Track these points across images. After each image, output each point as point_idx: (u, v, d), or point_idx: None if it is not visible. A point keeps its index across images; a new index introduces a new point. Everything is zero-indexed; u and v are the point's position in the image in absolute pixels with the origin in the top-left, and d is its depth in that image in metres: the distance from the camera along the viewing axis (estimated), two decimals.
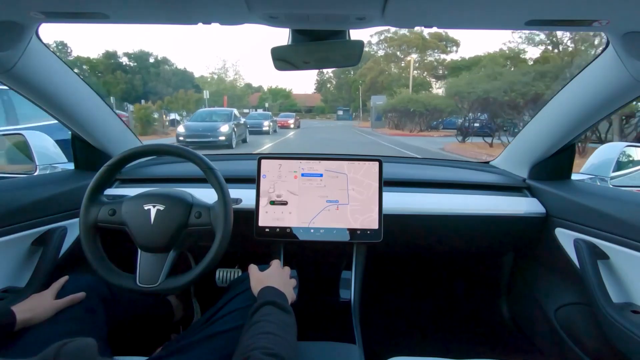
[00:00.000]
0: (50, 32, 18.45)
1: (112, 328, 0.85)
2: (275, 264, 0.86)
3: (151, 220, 0.83)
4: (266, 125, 17.14)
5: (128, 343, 0.95)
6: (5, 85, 0.86)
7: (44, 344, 0.69)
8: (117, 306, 0.89)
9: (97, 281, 0.84)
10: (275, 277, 0.80)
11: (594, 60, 0.87)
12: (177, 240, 0.85)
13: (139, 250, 0.85)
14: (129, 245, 0.88)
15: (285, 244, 1.10)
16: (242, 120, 12.98)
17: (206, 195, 0.93)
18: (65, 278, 0.83)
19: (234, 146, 10.52)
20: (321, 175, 1.04)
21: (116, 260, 0.87)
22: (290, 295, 0.79)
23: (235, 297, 0.81)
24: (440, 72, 35.79)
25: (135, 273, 0.84)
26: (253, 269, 0.84)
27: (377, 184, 1.03)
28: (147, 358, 0.75)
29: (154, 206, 0.84)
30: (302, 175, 1.04)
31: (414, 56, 35.35)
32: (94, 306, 0.81)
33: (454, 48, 36.07)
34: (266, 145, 11.68)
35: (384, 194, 1.03)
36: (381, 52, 37.41)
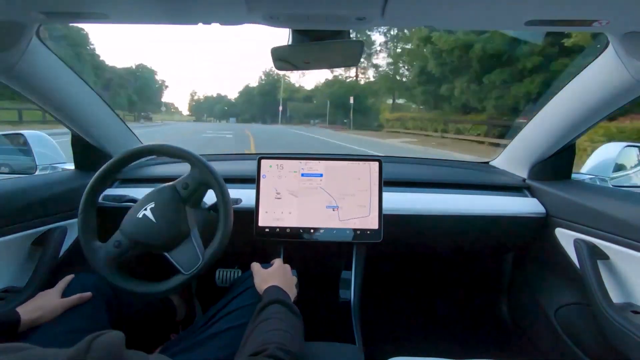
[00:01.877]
0: None
1: (114, 328, 0.85)
2: (278, 262, 0.87)
3: (153, 220, 0.83)
4: None
5: (129, 342, 0.95)
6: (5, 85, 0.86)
7: (53, 342, 0.69)
8: (120, 306, 0.89)
9: (101, 281, 0.84)
10: (279, 276, 0.80)
11: (594, 60, 0.87)
12: (188, 221, 0.83)
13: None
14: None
15: (285, 244, 1.10)
16: None
17: (206, 195, 0.93)
18: (70, 276, 0.83)
19: None
20: (321, 175, 1.04)
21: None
22: (293, 293, 0.80)
23: (238, 295, 0.81)
24: None
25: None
26: (256, 266, 0.84)
27: (377, 187, 1.03)
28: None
29: (145, 208, 0.83)
30: (302, 175, 1.04)
31: None
32: (98, 306, 0.81)
33: None
34: None
35: (384, 194, 1.03)
36: None
